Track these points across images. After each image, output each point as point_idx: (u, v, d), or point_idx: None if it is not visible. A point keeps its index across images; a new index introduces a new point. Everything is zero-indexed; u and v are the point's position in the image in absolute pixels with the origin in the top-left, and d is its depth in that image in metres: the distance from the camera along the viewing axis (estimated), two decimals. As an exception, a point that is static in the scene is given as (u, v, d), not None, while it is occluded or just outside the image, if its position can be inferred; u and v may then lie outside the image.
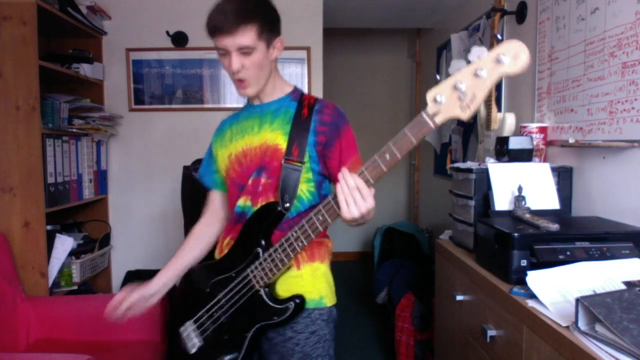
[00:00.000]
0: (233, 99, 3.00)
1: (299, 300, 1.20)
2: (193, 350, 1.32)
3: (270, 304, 1.21)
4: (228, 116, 1.43)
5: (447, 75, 0.85)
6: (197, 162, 2.20)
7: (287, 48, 1.32)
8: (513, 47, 0.83)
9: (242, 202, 1.30)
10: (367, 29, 4.63)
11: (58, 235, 2.36)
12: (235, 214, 1.32)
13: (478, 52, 0.85)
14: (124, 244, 3.02)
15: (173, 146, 3.01)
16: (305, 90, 2.96)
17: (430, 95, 0.89)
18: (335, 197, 1.03)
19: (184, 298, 1.37)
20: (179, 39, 2.94)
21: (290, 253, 1.15)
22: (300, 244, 1.13)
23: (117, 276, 2.99)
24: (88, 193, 2.70)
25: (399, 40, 5.16)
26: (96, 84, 2.87)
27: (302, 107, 1.26)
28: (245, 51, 1.18)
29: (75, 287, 2.49)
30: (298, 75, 3.01)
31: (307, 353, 1.24)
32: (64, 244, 2.35)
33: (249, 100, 1.36)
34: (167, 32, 2.93)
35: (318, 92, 3.02)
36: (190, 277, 1.37)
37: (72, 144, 2.53)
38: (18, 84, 2.13)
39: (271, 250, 1.18)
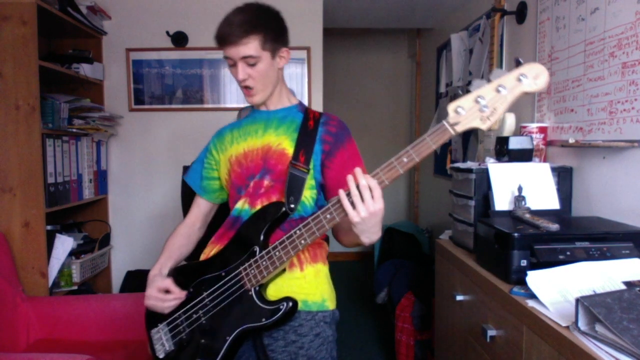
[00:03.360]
0: (233, 99, 3.00)
1: (292, 303, 1.16)
2: (161, 355, 1.30)
3: (260, 305, 1.18)
4: (227, 125, 1.43)
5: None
6: (197, 162, 2.19)
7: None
8: (534, 69, 0.94)
9: (241, 204, 1.29)
10: (367, 29, 4.63)
11: (58, 235, 2.35)
12: (231, 218, 1.31)
13: (499, 74, 0.98)
14: (124, 244, 3.02)
15: (173, 146, 3.01)
16: (305, 90, 2.99)
17: (452, 106, 0.99)
18: (342, 198, 1.05)
19: None
20: (179, 39, 2.94)
21: (291, 251, 1.14)
22: (302, 241, 1.12)
23: (117, 276, 2.99)
24: (88, 193, 2.70)
25: (399, 40, 5.16)
26: (96, 84, 2.86)
27: (308, 119, 1.30)
28: (249, 61, 1.22)
29: (75, 287, 2.48)
30: (298, 75, 3.01)
31: (311, 356, 1.23)
32: (64, 244, 2.35)
33: (254, 107, 1.38)
34: (167, 32, 2.93)
35: (318, 92, 3.02)
36: (171, 277, 1.31)
37: (72, 144, 2.53)
38: (18, 84, 2.13)
39: (270, 247, 1.17)
